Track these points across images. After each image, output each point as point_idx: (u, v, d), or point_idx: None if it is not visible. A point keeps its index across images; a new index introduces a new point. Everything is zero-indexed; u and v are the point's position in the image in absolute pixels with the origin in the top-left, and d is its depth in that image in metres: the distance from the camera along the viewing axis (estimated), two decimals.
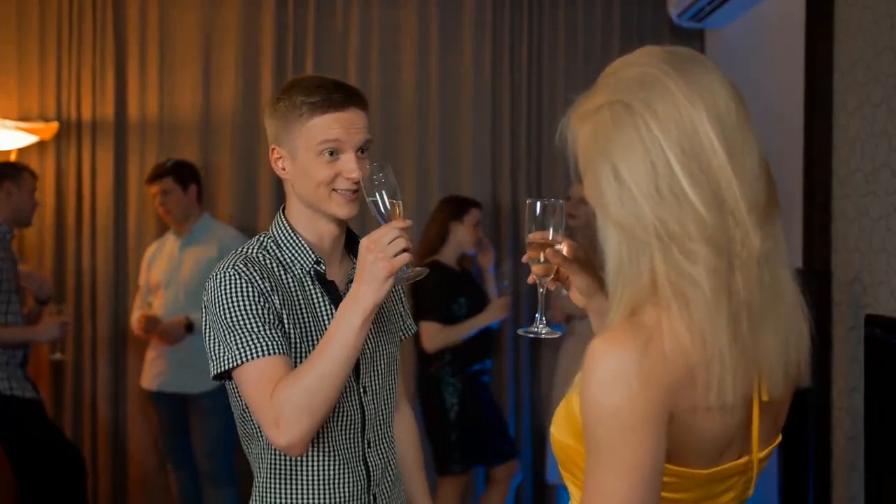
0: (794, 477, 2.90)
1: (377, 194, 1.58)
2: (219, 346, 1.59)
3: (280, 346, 1.57)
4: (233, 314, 1.57)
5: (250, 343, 1.55)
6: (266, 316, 1.58)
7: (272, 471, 1.68)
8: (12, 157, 3.96)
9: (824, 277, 2.91)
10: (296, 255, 1.70)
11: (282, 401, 1.50)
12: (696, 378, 1.01)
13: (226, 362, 1.57)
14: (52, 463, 3.44)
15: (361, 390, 1.71)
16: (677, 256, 1.02)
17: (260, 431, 1.64)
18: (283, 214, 1.74)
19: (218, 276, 1.62)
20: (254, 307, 1.58)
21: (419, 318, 3.57)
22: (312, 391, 1.50)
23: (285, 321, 1.62)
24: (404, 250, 1.51)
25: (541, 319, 1.55)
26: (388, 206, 1.57)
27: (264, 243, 1.71)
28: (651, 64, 1.07)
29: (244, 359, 1.55)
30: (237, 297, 1.58)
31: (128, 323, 4.06)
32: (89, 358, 4.15)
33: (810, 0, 3.05)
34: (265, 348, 1.55)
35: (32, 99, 4.13)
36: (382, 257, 1.50)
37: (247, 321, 1.57)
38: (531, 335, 1.55)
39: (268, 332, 1.57)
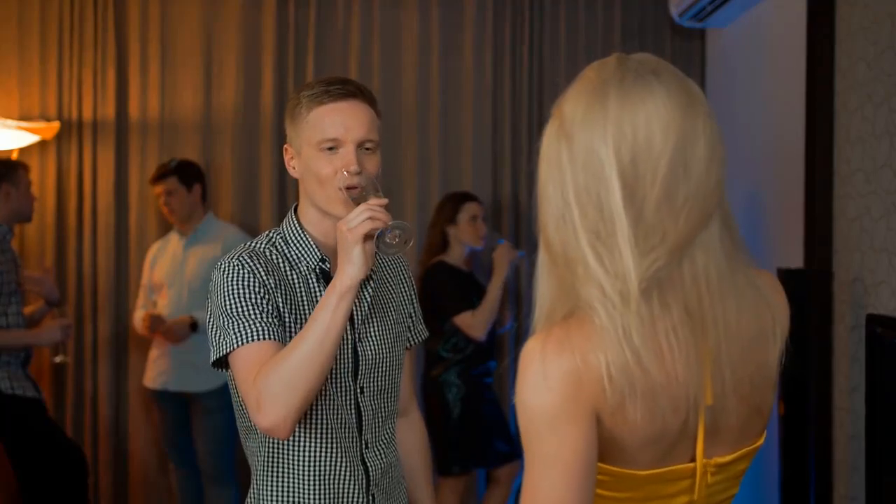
0: (794, 476, 2.89)
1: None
2: (217, 333, 1.61)
3: (272, 333, 1.57)
4: (232, 302, 1.59)
5: (244, 329, 1.57)
6: (264, 306, 1.59)
7: (268, 465, 1.69)
8: (14, 157, 3.95)
9: (825, 277, 2.91)
10: (302, 252, 1.71)
11: (263, 382, 1.51)
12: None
13: (222, 348, 1.59)
14: (53, 462, 3.44)
15: (359, 390, 1.71)
16: (569, 279, 1.06)
17: None
18: (295, 212, 1.75)
19: (222, 266, 1.64)
20: (253, 297, 1.59)
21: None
22: (292, 371, 1.51)
23: (286, 317, 1.63)
24: (369, 218, 1.51)
25: None
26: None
27: (273, 239, 1.73)
28: (597, 81, 1.07)
29: (237, 344, 1.56)
30: (238, 286, 1.60)
31: (129, 322, 4.06)
32: (90, 357, 4.15)
33: (811, 0, 3.05)
34: (256, 333, 1.56)
35: (33, 98, 4.13)
36: (347, 229, 1.52)
37: (244, 309, 1.58)
38: None
39: (263, 319, 1.58)
